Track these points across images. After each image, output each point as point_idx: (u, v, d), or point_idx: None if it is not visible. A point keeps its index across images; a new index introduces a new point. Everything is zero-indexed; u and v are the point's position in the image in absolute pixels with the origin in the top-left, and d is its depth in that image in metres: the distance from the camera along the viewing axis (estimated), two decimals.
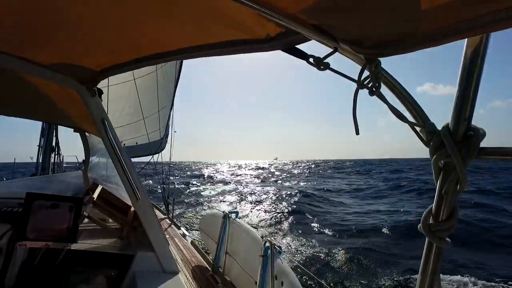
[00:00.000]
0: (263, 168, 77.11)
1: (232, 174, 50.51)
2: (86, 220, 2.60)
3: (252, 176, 46.11)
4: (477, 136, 0.73)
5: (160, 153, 7.80)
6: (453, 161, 0.75)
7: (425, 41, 0.72)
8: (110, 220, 3.16)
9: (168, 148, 8.00)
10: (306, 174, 50.65)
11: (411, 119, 0.83)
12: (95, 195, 2.80)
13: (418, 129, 0.84)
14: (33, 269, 2.17)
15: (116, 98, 6.12)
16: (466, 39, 0.71)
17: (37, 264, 2.19)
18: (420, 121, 0.82)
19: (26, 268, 2.16)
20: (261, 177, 44.32)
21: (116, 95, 6.05)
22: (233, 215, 3.55)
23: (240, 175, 48.99)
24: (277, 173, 56.13)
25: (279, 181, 36.18)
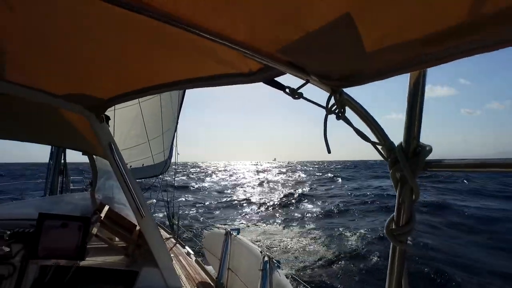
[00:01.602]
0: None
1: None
2: (94, 238, 2.73)
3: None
4: (424, 152, 0.89)
5: (164, 174, 7.97)
6: (405, 174, 0.90)
7: (375, 75, 0.89)
8: (117, 239, 3.28)
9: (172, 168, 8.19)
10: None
11: (373, 138, 0.99)
12: (103, 215, 2.94)
13: (379, 147, 1.00)
14: (44, 286, 2.29)
15: (122, 121, 6.34)
16: (408, 73, 0.88)
17: (48, 280, 2.31)
18: (381, 140, 0.98)
19: (38, 284, 2.28)
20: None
21: (123, 118, 6.27)
22: (235, 232, 3.66)
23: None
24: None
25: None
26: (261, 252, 2.84)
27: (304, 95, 1.02)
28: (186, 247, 5.49)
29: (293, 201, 21.52)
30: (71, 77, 1.77)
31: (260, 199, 23.34)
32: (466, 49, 0.65)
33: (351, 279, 7.53)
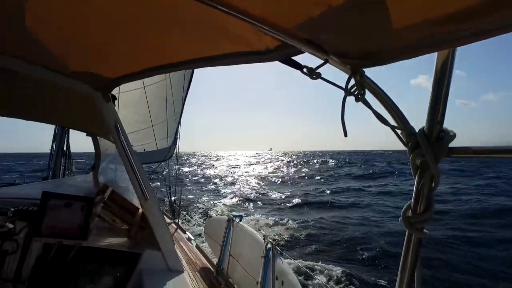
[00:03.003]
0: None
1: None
2: (96, 219, 2.72)
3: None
4: (447, 137, 0.84)
5: (168, 160, 7.96)
6: (427, 160, 0.86)
7: (400, 54, 0.84)
8: (119, 221, 3.28)
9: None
10: None
11: (393, 123, 0.95)
12: (106, 196, 2.93)
13: (399, 132, 0.96)
14: (47, 263, 2.30)
15: (126, 105, 6.31)
16: (436, 53, 0.83)
17: (51, 258, 2.31)
18: (401, 124, 0.94)
19: (41, 262, 2.28)
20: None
21: (126, 102, 6.23)
22: (237, 219, 3.66)
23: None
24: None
25: None
26: (264, 239, 2.83)
27: (322, 76, 0.98)
28: (187, 232, 5.52)
29: None
30: (79, 54, 1.73)
31: None
32: (503, 25, 0.60)
33: None
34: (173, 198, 6.64)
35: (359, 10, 0.73)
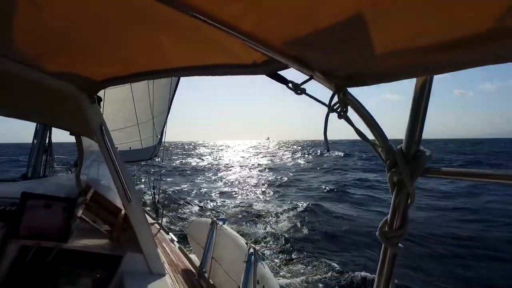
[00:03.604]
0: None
1: None
2: (78, 220, 2.68)
3: None
4: (423, 157, 0.89)
5: (152, 159, 7.88)
6: (403, 178, 0.90)
7: (382, 78, 0.88)
8: (101, 222, 3.24)
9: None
10: None
11: (372, 139, 0.99)
12: (88, 197, 2.89)
13: (378, 149, 1.00)
14: (23, 266, 2.25)
15: (112, 101, 6.19)
16: (415, 78, 0.87)
17: (28, 261, 2.26)
18: (380, 142, 0.98)
19: (17, 264, 2.23)
20: None
21: (112, 99, 6.11)
22: (221, 222, 3.67)
23: None
24: None
25: None
26: (246, 243, 2.85)
27: (306, 91, 1.01)
28: (170, 233, 5.48)
29: None
30: (65, 56, 1.71)
31: None
32: (480, 59, 0.65)
33: None
34: (157, 197, 6.58)
35: (345, 34, 0.76)
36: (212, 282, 3.42)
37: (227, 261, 3.22)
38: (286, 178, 26.62)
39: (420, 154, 0.89)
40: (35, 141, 5.96)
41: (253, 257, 2.58)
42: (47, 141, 6.23)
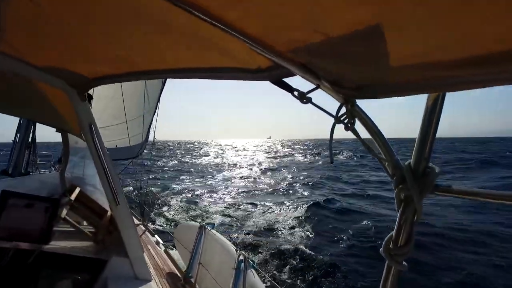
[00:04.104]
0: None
1: None
2: (61, 221, 2.57)
3: None
4: (433, 174, 0.86)
5: (139, 157, 7.74)
6: (411, 194, 0.87)
7: (394, 91, 0.85)
8: (85, 223, 3.13)
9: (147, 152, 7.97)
10: None
11: (380, 154, 0.96)
12: (73, 197, 2.78)
13: (385, 163, 0.97)
14: (1, 269, 2.14)
15: (100, 98, 6.05)
16: (427, 94, 0.85)
17: (6, 264, 2.15)
18: (387, 156, 0.95)
19: None
20: None
21: (100, 95, 5.98)
22: (209, 227, 3.59)
23: None
24: None
25: None
26: (236, 250, 2.79)
27: (312, 100, 0.97)
28: (156, 235, 5.36)
29: None
30: (56, 50, 1.63)
31: None
32: (501, 78, 0.62)
33: None
34: (143, 198, 6.45)
35: (358, 43, 0.72)
36: None
37: (215, 267, 3.15)
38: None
39: (430, 171, 0.87)
40: (18, 136, 5.76)
41: (242, 264, 2.52)
42: (30, 137, 6.04)
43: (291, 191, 19.35)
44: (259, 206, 15.09)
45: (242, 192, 19.70)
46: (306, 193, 18.08)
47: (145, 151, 8.24)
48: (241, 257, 2.57)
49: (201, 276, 3.33)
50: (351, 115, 0.92)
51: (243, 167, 37.88)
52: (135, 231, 2.50)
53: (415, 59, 0.69)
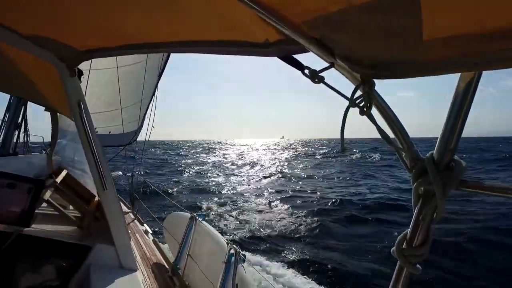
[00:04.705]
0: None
1: None
2: (44, 204, 2.45)
3: None
4: (459, 168, 0.75)
5: (133, 144, 7.61)
6: (433, 189, 0.77)
7: (421, 70, 0.73)
8: (71, 208, 3.00)
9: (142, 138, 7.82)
10: None
11: (397, 144, 0.85)
12: (59, 179, 2.65)
13: (402, 154, 0.86)
14: None
15: (96, 84, 5.90)
16: (460, 73, 0.73)
17: None
18: (406, 147, 0.84)
19: None
20: None
21: (96, 81, 5.83)
22: (200, 218, 3.49)
23: None
24: None
25: None
26: (227, 243, 2.69)
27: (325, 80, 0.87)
28: (145, 224, 5.25)
29: None
30: (44, 17, 1.50)
31: None
32: None
33: None
34: (134, 185, 6.31)
35: (384, 14, 0.62)
36: (186, 281, 3.24)
37: (204, 259, 3.05)
38: None
39: (455, 164, 0.76)
40: (7, 115, 5.58)
41: (233, 258, 2.42)
42: (20, 117, 5.87)
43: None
44: None
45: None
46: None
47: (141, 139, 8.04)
48: (232, 251, 2.48)
49: (189, 268, 3.23)
50: (368, 97, 0.81)
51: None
52: (122, 218, 2.39)
53: (452, 31, 0.59)
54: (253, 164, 38.52)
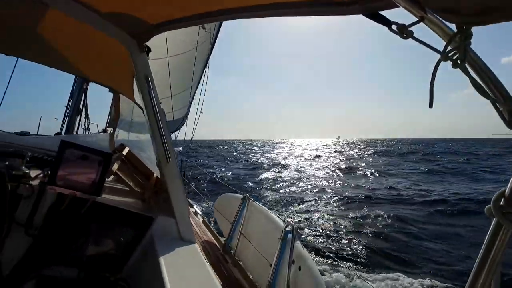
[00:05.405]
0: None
1: None
2: (112, 177, 2.61)
3: None
4: None
5: (180, 130, 7.89)
6: None
7: None
8: (132, 183, 3.17)
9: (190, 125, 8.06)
10: None
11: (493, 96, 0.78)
12: (124, 154, 2.81)
13: (500, 107, 0.78)
14: (60, 213, 2.20)
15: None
16: None
17: (64, 209, 2.21)
18: (502, 100, 0.76)
19: (54, 211, 2.19)
20: None
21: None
22: (253, 198, 3.52)
23: None
24: None
25: None
26: (283, 220, 2.69)
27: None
28: (194, 206, 5.43)
29: None
30: None
31: None
32: None
33: None
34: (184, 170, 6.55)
35: None
36: (238, 259, 3.30)
37: (257, 237, 3.07)
38: None
39: None
40: (71, 102, 6.05)
41: (290, 234, 2.41)
42: (82, 103, 6.33)
43: None
44: None
45: None
46: None
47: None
48: (289, 228, 2.46)
49: (242, 246, 3.28)
50: (463, 49, 0.74)
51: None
52: (183, 192, 2.47)
53: None
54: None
